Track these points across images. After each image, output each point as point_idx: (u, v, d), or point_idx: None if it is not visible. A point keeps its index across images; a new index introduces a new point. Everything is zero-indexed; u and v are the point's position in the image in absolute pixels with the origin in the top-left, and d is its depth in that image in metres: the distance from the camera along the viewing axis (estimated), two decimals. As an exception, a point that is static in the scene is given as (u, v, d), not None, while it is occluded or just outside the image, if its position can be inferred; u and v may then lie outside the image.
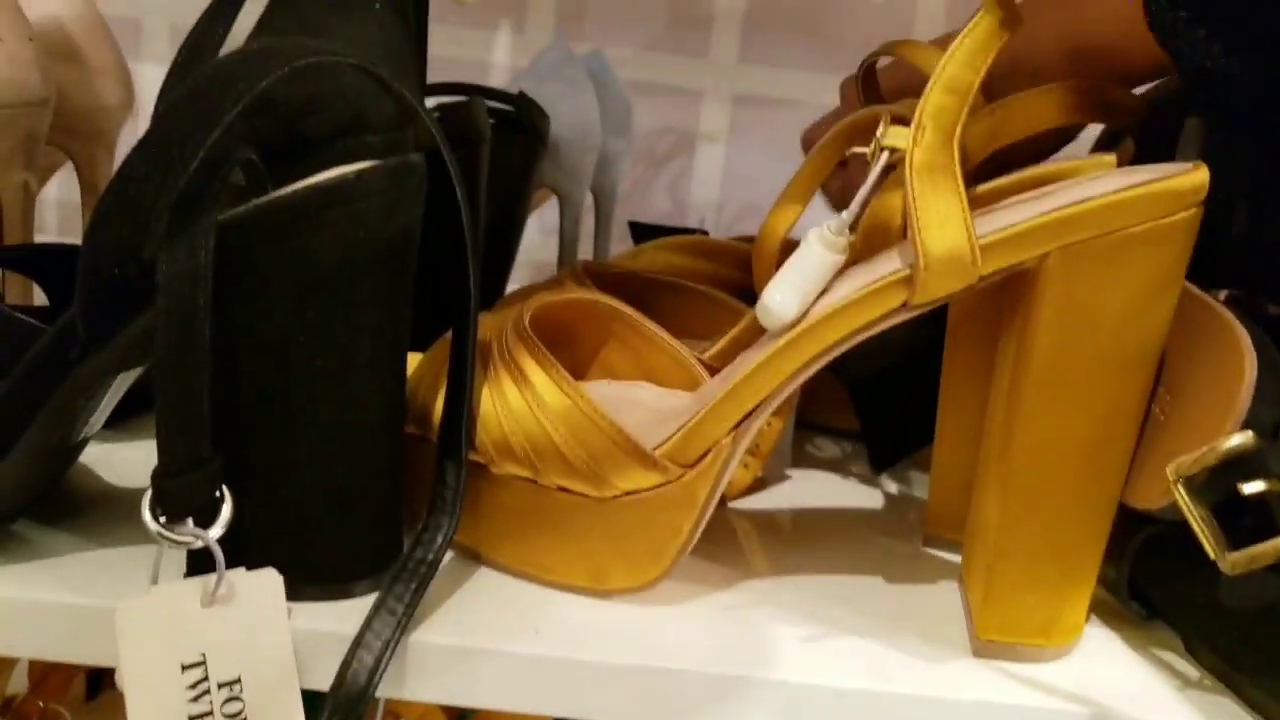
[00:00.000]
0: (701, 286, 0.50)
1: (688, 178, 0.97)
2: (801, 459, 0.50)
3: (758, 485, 0.46)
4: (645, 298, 0.46)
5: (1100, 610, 0.37)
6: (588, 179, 0.66)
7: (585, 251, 0.73)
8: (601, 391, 0.43)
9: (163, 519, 0.30)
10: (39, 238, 0.62)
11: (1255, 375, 0.31)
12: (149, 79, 0.68)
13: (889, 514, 0.45)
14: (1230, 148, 0.34)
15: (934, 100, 0.32)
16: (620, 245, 0.73)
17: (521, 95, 0.57)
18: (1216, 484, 0.31)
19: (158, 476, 0.29)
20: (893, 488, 0.48)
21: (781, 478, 0.48)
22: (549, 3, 0.93)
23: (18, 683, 0.66)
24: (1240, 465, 0.30)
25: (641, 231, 0.61)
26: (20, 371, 0.32)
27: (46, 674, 0.64)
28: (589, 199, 0.70)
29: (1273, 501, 0.30)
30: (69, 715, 0.62)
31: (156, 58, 0.94)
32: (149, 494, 0.29)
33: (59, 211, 0.93)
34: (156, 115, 0.35)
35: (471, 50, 0.93)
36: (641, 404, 0.41)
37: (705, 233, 0.60)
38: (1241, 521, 0.31)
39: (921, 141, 0.31)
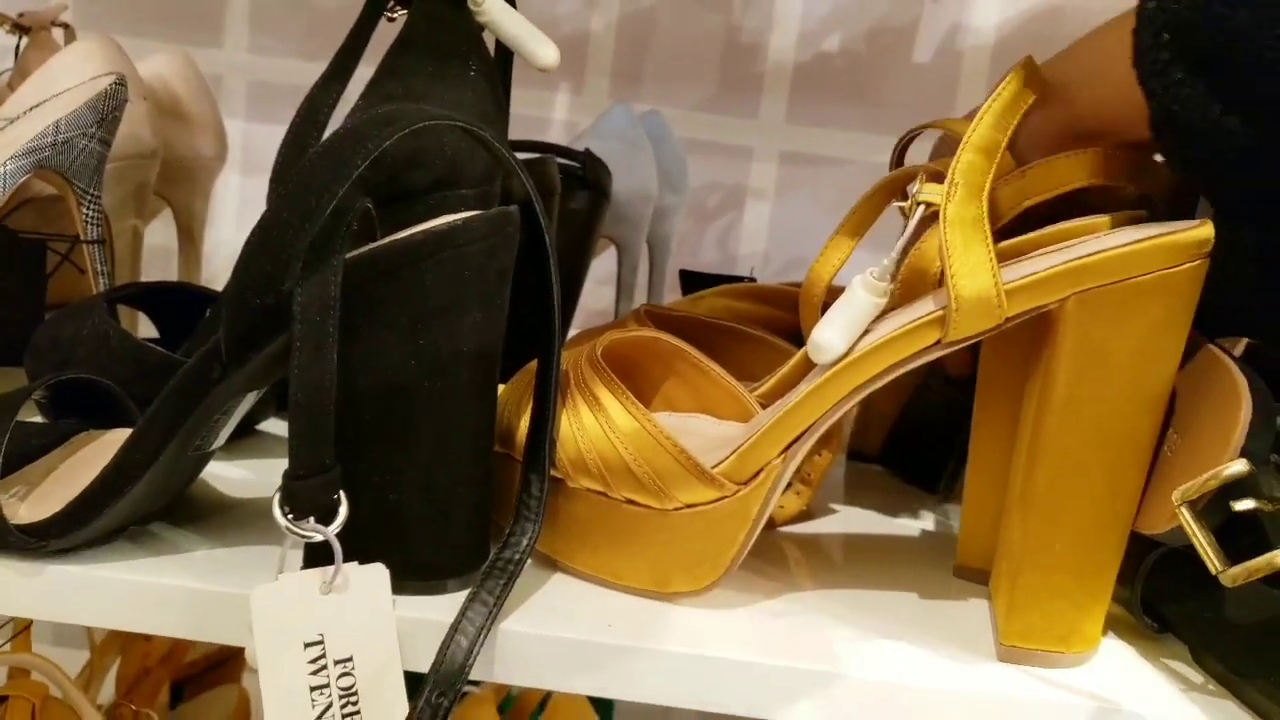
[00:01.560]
0: (754, 330, 0.54)
1: (736, 231, 1.02)
2: (850, 490, 0.54)
3: (805, 514, 0.50)
4: (702, 340, 0.51)
5: (1116, 625, 0.40)
6: (644, 230, 0.71)
7: (639, 298, 0.77)
8: (662, 420, 0.47)
9: (289, 515, 0.34)
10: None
11: (1250, 415, 0.35)
12: (230, 132, 0.74)
13: (927, 543, 0.49)
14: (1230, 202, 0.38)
15: (965, 159, 0.36)
16: (671, 293, 0.77)
17: (587, 152, 0.63)
18: (1216, 507, 0.35)
19: (288, 479, 0.34)
20: (930, 522, 0.51)
21: (827, 509, 0.51)
22: (606, 65, 0.99)
23: (105, 694, 0.71)
24: (1236, 489, 0.34)
25: (691, 279, 0.65)
26: (170, 390, 0.37)
27: (137, 681, 0.69)
28: (644, 249, 0.75)
29: (1265, 520, 0.34)
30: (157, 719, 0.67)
31: (233, 113, 1.00)
32: (279, 493, 0.34)
33: (146, 254, 1.00)
34: (279, 167, 0.41)
35: (533, 109, 0.99)
36: (699, 432, 0.45)
37: (754, 280, 0.64)
38: (1240, 541, 0.35)
39: (954, 197, 0.35)
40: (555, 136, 1.02)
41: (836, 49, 0.98)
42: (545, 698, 0.65)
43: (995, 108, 0.38)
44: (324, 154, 0.34)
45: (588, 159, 0.63)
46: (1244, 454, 0.35)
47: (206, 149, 0.70)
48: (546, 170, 0.55)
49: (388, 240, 0.35)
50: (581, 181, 0.62)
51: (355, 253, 0.35)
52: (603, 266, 0.78)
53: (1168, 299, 0.35)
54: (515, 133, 0.65)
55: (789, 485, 0.48)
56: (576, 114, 1.00)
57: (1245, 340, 0.47)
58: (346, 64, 0.44)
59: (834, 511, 0.51)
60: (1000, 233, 0.38)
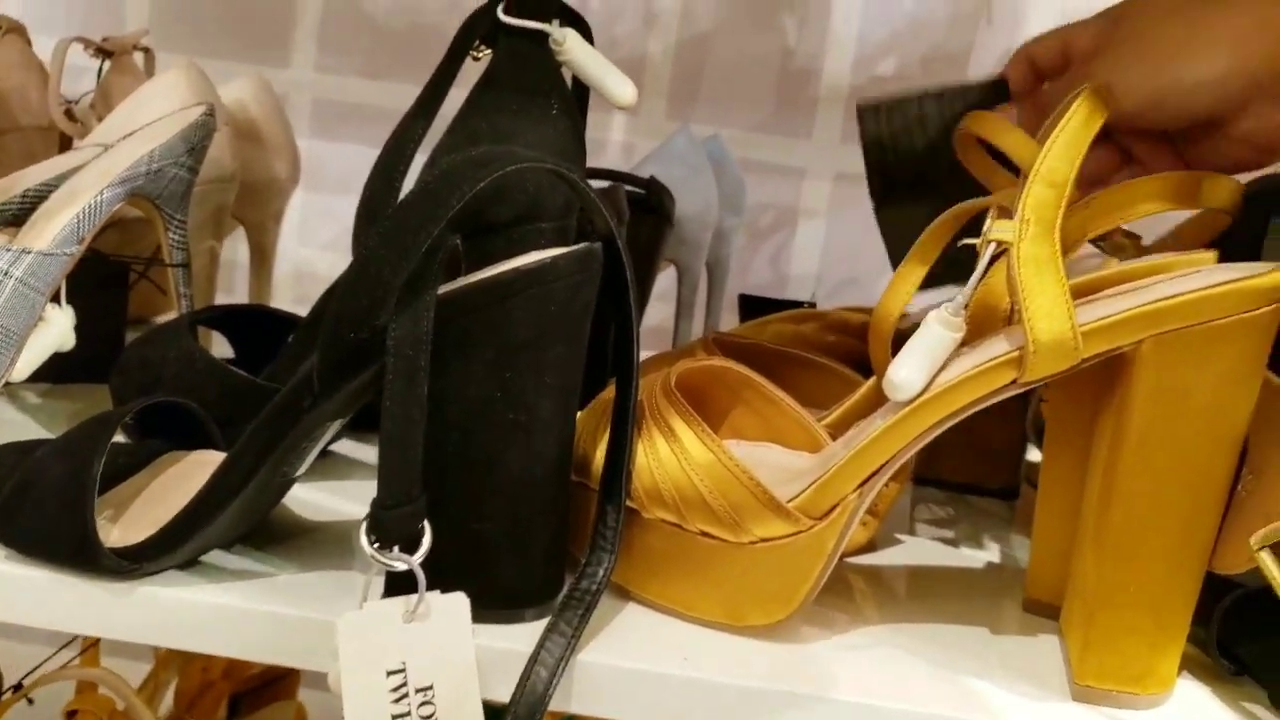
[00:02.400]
0: (819, 358, 0.55)
1: (789, 250, 1.03)
2: (915, 519, 0.54)
3: (870, 545, 0.50)
4: (765, 367, 0.51)
5: (1192, 666, 0.40)
6: (704, 253, 0.72)
7: (698, 318, 0.78)
8: (734, 450, 0.48)
9: (376, 544, 0.35)
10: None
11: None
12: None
13: (993, 575, 0.49)
14: None
15: (1035, 194, 0.36)
16: (729, 313, 0.78)
17: (652, 180, 0.64)
18: (1297, 551, 0.35)
19: (376, 507, 0.35)
20: (995, 554, 0.51)
21: (893, 539, 0.52)
22: (664, 87, 1.00)
23: (164, 706, 0.73)
24: (1317, 534, 0.34)
25: (751, 304, 0.66)
26: (263, 417, 0.38)
27: (199, 695, 0.70)
28: (704, 270, 0.76)
29: (1350, 567, 0.34)
30: (217, 733, 0.68)
31: (299, 131, 1.02)
32: (365, 522, 0.35)
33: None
34: (366, 199, 0.42)
35: (592, 129, 0.99)
36: (768, 463, 0.46)
37: (814, 305, 0.65)
38: (1322, 585, 0.35)
39: (1026, 235, 0.35)
40: (612, 156, 1.03)
41: (892, 72, 0.99)
42: None
43: (1063, 138, 0.37)
44: (422, 195, 0.35)
45: (652, 185, 0.63)
46: (1323, 499, 0.35)
47: (281, 171, 0.72)
48: (616, 199, 0.56)
49: (478, 278, 0.36)
50: (646, 206, 0.63)
51: (447, 289, 0.36)
52: (661, 284, 0.79)
53: (1244, 343, 0.35)
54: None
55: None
56: (633, 135, 1.01)
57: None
58: (433, 100, 0.45)
59: (899, 542, 0.51)
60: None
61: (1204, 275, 0.36)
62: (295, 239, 1.03)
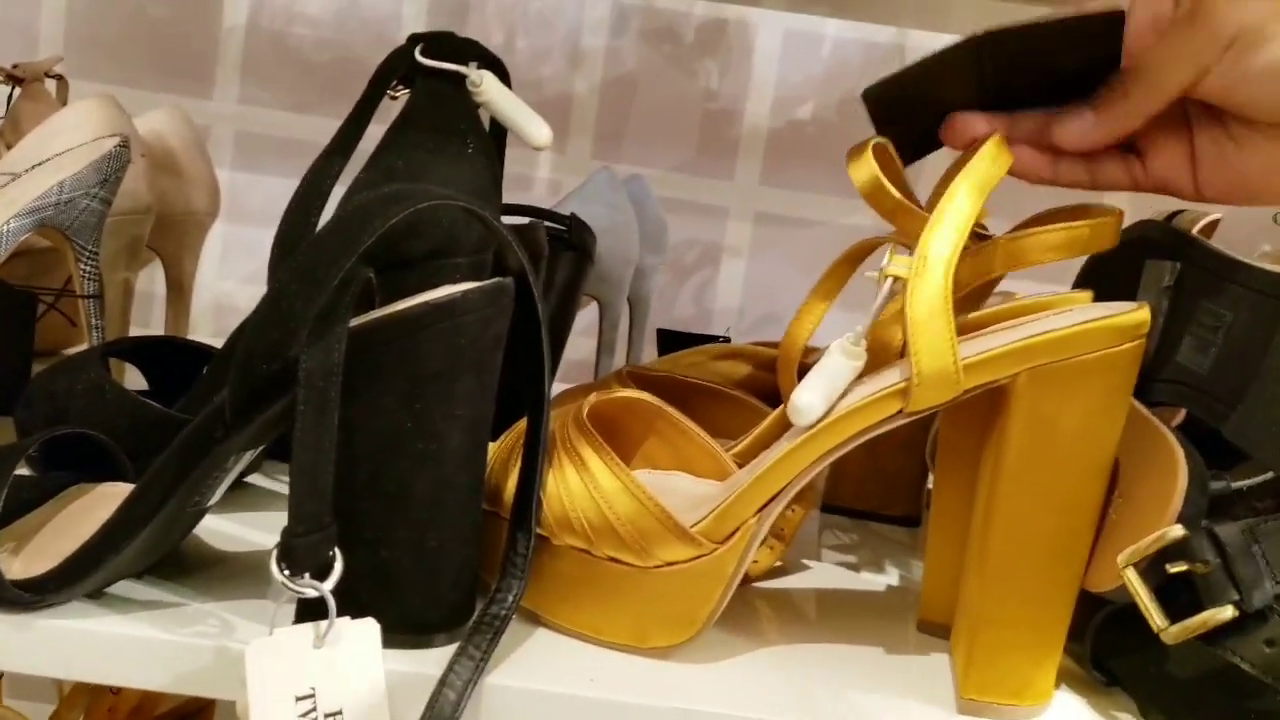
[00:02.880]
0: (731, 390, 0.57)
1: (712, 287, 1.05)
2: (823, 544, 0.56)
3: (779, 570, 0.52)
4: (680, 399, 0.53)
5: (1068, 679, 0.43)
6: (625, 290, 0.74)
7: (620, 354, 0.80)
8: (643, 479, 0.49)
9: (286, 572, 0.36)
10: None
11: (1186, 484, 0.38)
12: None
13: (894, 598, 0.51)
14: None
15: (935, 234, 0.39)
16: (650, 348, 0.80)
17: (573, 217, 0.65)
18: (1157, 569, 0.37)
19: (287, 535, 0.36)
20: (895, 577, 0.54)
21: (800, 564, 0.54)
22: (589, 126, 1.02)
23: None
24: (1172, 553, 0.37)
25: (668, 339, 0.68)
26: (174, 448, 0.38)
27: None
28: (625, 307, 0.78)
29: (1199, 582, 0.37)
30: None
31: (221, 163, 1.02)
32: (276, 549, 0.36)
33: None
34: (282, 234, 0.43)
35: (518, 167, 1.02)
36: (677, 491, 0.47)
37: (729, 339, 0.67)
38: (1178, 600, 0.38)
39: (922, 273, 0.38)
40: (539, 194, 1.05)
41: (809, 116, 1.02)
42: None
43: (969, 181, 0.40)
44: (334, 230, 0.36)
45: (573, 223, 0.65)
46: (1180, 520, 0.37)
47: (199, 204, 0.72)
48: (535, 236, 0.57)
49: (389, 311, 0.37)
50: (567, 243, 0.65)
51: (359, 321, 0.37)
52: (583, 319, 0.81)
53: (1110, 376, 0.37)
54: (506, 187, 0.68)
55: (763, 541, 0.50)
56: (560, 173, 1.03)
57: (1184, 411, 0.50)
58: (350, 137, 0.46)
59: (807, 567, 0.53)
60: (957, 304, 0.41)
61: (1075, 313, 0.39)
62: (215, 271, 1.02)
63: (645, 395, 0.48)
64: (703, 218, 1.03)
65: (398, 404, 0.37)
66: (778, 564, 0.52)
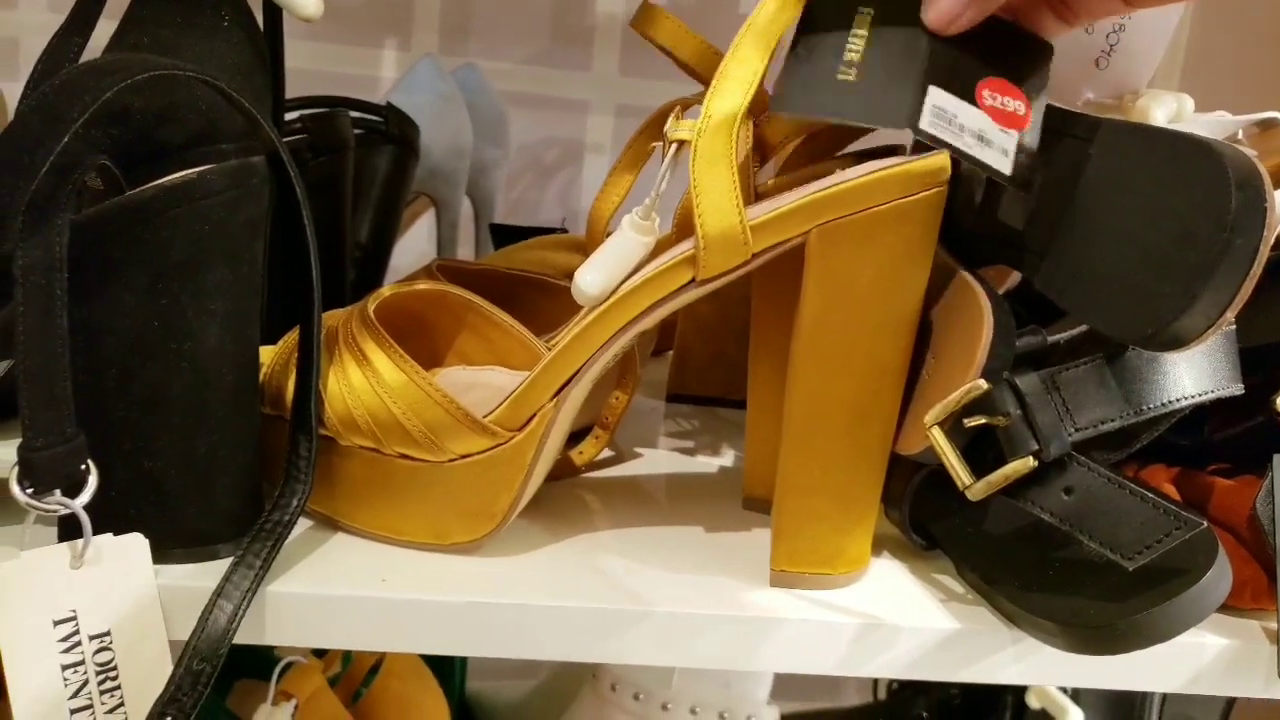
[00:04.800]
0: (560, 281, 0.54)
1: (577, 186, 1.02)
2: (663, 434, 0.55)
3: (611, 460, 0.50)
4: (506, 293, 0.51)
5: (891, 545, 0.42)
6: (462, 185, 0.70)
7: (466, 257, 0.77)
8: (456, 376, 0.47)
9: (30, 490, 0.33)
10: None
11: (991, 336, 0.36)
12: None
13: (721, 479, 0.50)
14: None
15: (719, 89, 0.36)
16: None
17: (389, 106, 0.61)
18: (960, 427, 0.36)
19: (23, 450, 0.33)
20: (730, 459, 0.52)
21: (633, 454, 0.52)
22: (433, 21, 0.96)
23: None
24: (976, 408, 0.36)
25: (501, 232, 0.65)
26: (-105, 364, 0.35)
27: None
28: (468, 206, 0.74)
29: (1000, 435, 0.36)
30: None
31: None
32: (15, 466, 0.33)
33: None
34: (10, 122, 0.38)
35: (362, 68, 0.96)
36: (490, 385, 0.45)
37: (565, 231, 0.64)
38: (985, 457, 0.37)
39: (704, 133, 0.35)
40: (384, 95, 1.00)
41: (665, 1, 0.98)
42: (378, 662, 0.64)
43: (749, 36, 0.37)
44: (37, 108, 0.32)
45: (390, 113, 0.61)
46: (985, 374, 0.36)
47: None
48: (335, 124, 0.54)
49: (118, 199, 0.34)
50: (386, 136, 0.61)
51: (84, 213, 0.33)
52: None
53: (905, 228, 0.36)
54: (342, 92, 0.64)
55: (587, 431, 0.49)
56: (405, 72, 0.98)
57: (1016, 273, 0.49)
58: (87, 12, 0.41)
59: (639, 455, 0.52)
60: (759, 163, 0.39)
61: (868, 165, 0.37)
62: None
63: (449, 287, 0.45)
64: (561, 113, 0.99)
65: (140, 300, 0.34)
66: (608, 454, 0.50)
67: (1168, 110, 0.41)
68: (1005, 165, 0.36)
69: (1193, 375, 0.37)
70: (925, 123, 0.35)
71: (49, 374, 0.32)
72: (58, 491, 0.33)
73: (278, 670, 0.59)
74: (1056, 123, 0.41)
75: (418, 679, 0.66)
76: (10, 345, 0.35)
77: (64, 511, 0.33)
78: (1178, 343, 0.33)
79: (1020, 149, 0.37)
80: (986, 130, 0.37)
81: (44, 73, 0.40)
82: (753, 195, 0.38)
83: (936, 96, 0.35)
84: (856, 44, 0.36)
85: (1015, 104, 0.38)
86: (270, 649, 0.65)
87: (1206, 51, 0.95)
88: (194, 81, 0.36)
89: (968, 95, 0.37)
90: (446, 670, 0.70)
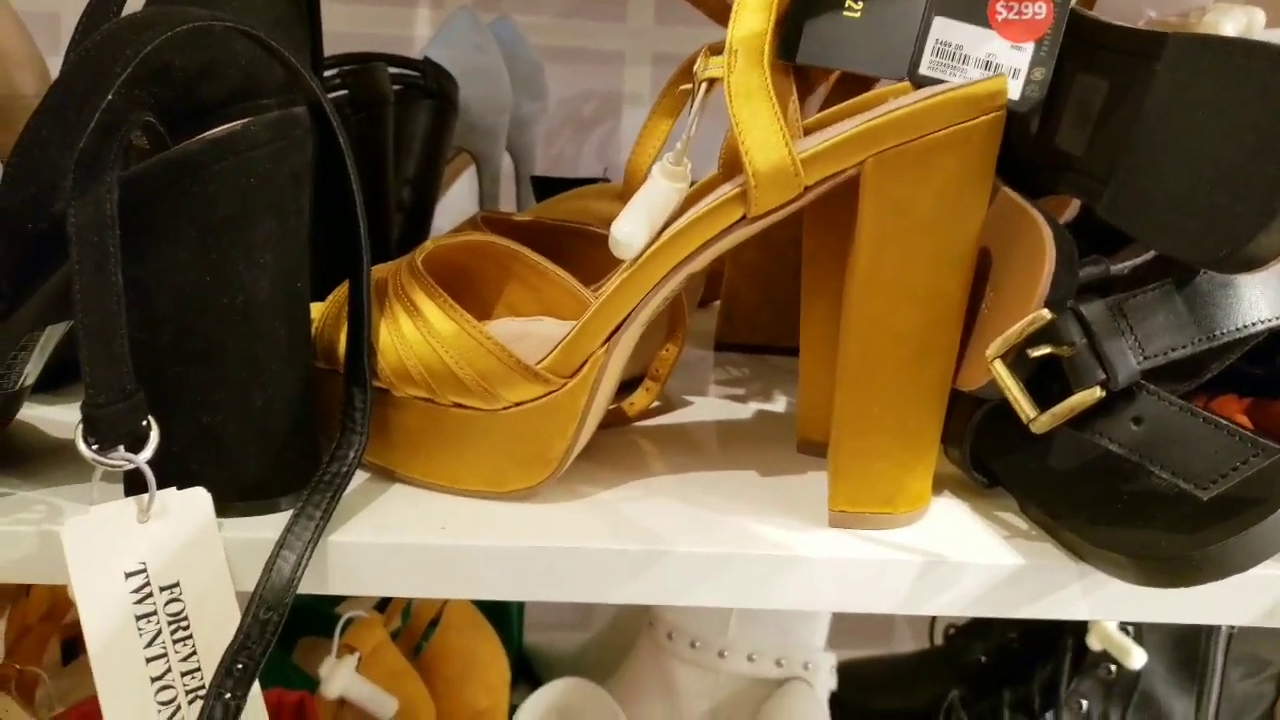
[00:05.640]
0: (602, 230, 0.53)
1: (615, 139, 1.01)
2: (713, 383, 0.55)
3: (662, 409, 0.50)
4: (551, 244, 0.50)
5: (951, 483, 0.41)
6: (501, 140, 0.70)
7: (506, 208, 0.76)
8: (506, 327, 0.47)
9: (95, 446, 0.33)
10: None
11: (1053, 266, 0.35)
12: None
13: (775, 423, 0.49)
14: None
15: (740, 23, 0.35)
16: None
17: (427, 60, 0.61)
18: (1024, 359, 0.35)
19: (86, 407, 0.33)
20: (783, 405, 0.52)
21: (685, 403, 0.52)
22: (467, -24, 0.95)
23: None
24: (1039, 338, 0.35)
25: (543, 184, 0.64)
26: (-44, 327, 0.35)
27: (20, 639, 0.67)
28: (508, 161, 0.74)
29: (1067, 366, 0.35)
30: (47, 677, 0.66)
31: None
32: (80, 424, 0.33)
33: None
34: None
35: (395, 27, 0.95)
36: (539, 334, 0.45)
37: (608, 180, 0.64)
38: (1049, 389, 0.36)
39: (735, 68, 0.34)
40: (419, 54, 0.99)
41: (699, -55, 0.96)
42: (437, 616, 0.65)
43: None
44: (80, 64, 0.32)
45: (428, 68, 0.61)
46: (1048, 304, 0.35)
47: (25, 86, 0.66)
48: (374, 77, 0.53)
49: (164, 154, 0.34)
50: (424, 91, 0.61)
51: (132, 170, 0.33)
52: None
53: (963, 153, 0.35)
54: (382, 49, 0.63)
55: (638, 382, 0.48)
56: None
57: (1076, 201, 0.48)
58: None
59: (691, 403, 0.51)
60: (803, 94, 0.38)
61: (925, 92, 0.36)
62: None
63: (495, 238, 0.45)
64: (598, 65, 0.98)
65: (192, 255, 0.34)
66: (657, 404, 0.50)
67: (1237, 24, 0.39)
68: (1014, 90, 0.35)
69: (1269, 298, 0.35)
70: (925, 65, 0.34)
71: (107, 331, 0.32)
72: (121, 447, 0.34)
73: (340, 624, 0.60)
74: (1117, 40, 0.39)
75: (476, 631, 0.66)
76: (68, 305, 0.35)
77: (128, 466, 0.34)
78: (1254, 263, 0.32)
79: (1034, 64, 0.36)
80: (996, 53, 0.35)
81: (85, 32, 0.40)
82: (799, 126, 0.37)
83: (940, 28, 0.34)
84: None
85: (1035, 8, 0.36)
86: (332, 606, 0.66)
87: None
88: (234, 36, 0.36)
89: (978, 13, 0.35)
90: (504, 622, 0.71)
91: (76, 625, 0.72)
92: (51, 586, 0.65)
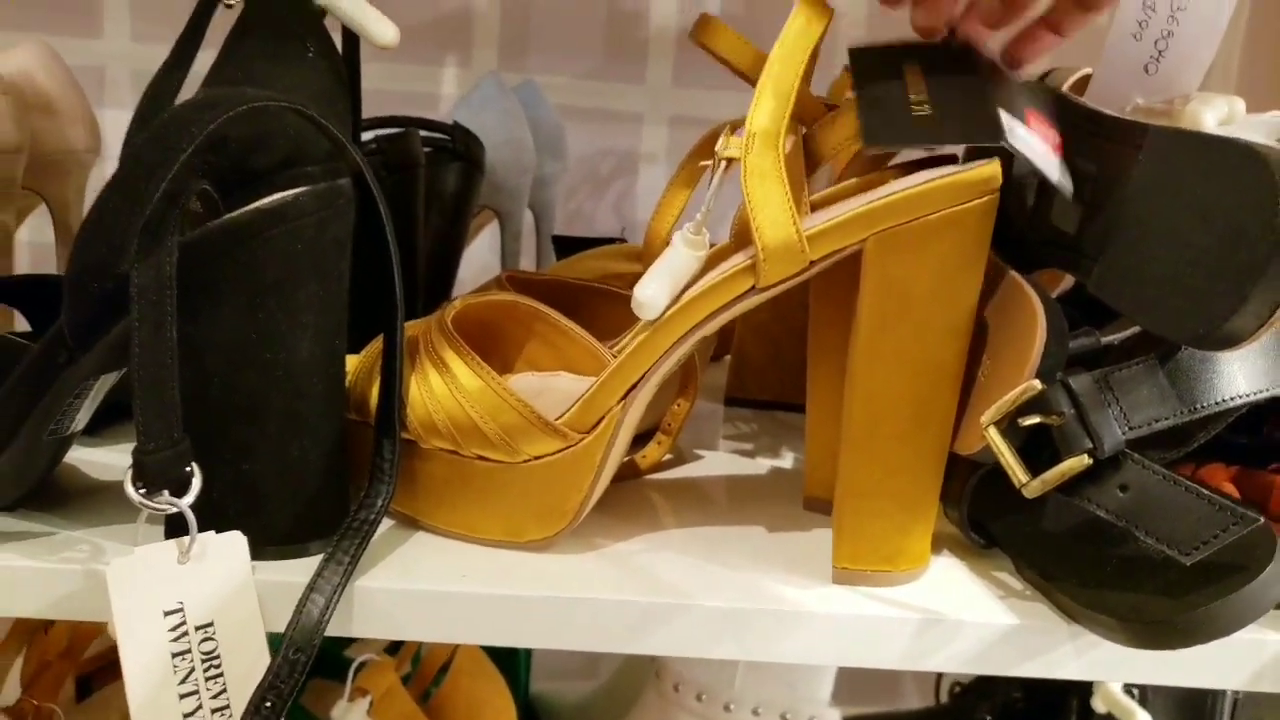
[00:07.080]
0: (620, 289, 0.56)
1: (631, 197, 1.04)
2: (722, 438, 0.57)
3: (673, 463, 0.52)
4: (570, 302, 0.53)
5: (950, 544, 0.43)
6: (524, 199, 0.73)
7: (528, 267, 0.79)
8: (526, 382, 0.49)
9: (142, 490, 0.36)
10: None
11: (1044, 337, 0.38)
12: (114, 123, 0.73)
13: (782, 481, 0.51)
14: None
15: (760, 108, 0.38)
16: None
17: (456, 125, 0.64)
18: (1016, 426, 0.38)
19: (137, 453, 0.35)
20: (790, 462, 0.54)
21: (695, 457, 0.54)
22: (492, 38, 0.99)
23: (9, 694, 0.71)
24: (1030, 407, 0.37)
25: (563, 244, 0.67)
26: (17, 375, 0.38)
27: (39, 674, 0.69)
28: (529, 218, 0.77)
29: (1056, 434, 0.37)
30: (62, 714, 0.67)
31: (120, 103, 0.99)
32: (130, 468, 0.36)
33: (31, 251, 0.99)
34: (124, 154, 0.41)
35: (422, 84, 0.99)
36: (558, 389, 0.47)
37: (624, 241, 0.66)
38: (1040, 455, 0.38)
39: (752, 150, 0.37)
40: (445, 111, 1.03)
41: (718, 9, 1.00)
42: (447, 661, 0.67)
43: (780, 52, 0.38)
44: (150, 141, 0.35)
45: (456, 131, 0.64)
46: (1039, 375, 0.38)
47: (78, 142, 0.70)
48: (408, 144, 0.56)
49: (219, 221, 0.36)
50: (453, 153, 0.64)
51: (189, 235, 0.36)
52: (492, 234, 0.79)
53: (958, 235, 0.37)
54: (402, 110, 0.66)
55: (650, 435, 0.50)
56: (466, 88, 1.00)
57: (1069, 276, 0.50)
58: (186, 50, 0.44)
59: (700, 458, 0.53)
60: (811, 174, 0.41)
61: (923, 174, 0.38)
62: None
63: (520, 297, 0.48)
64: (616, 125, 1.01)
65: (240, 316, 0.37)
66: (668, 457, 0.52)
67: (1219, 113, 0.42)
68: (1067, 181, 0.38)
69: (1247, 374, 0.38)
70: (1011, 138, 0.36)
71: (160, 384, 0.35)
72: (166, 492, 0.36)
73: (354, 667, 0.61)
74: (1107, 129, 0.42)
75: (486, 678, 0.68)
76: (124, 357, 0.38)
77: (172, 510, 0.36)
78: (1230, 342, 0.34)
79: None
80: (1047, 149, 0.38)
81: (149, 105, 0.43)
82: (807, 204, 0.40)
83: (1007, 118, 0.37)
84: (917, 86, 0.38)
85: (1051, 133, 0.39)
86: (342, 650, 0.68)
87: (1261, 53, 0.94)
88: (285, 110, 0.38)
89: (1022, 122, 0.39)
90: (512, 670, 0.72)
91: (93, 662, 0.74)
92: (72, 623, 0.66)
